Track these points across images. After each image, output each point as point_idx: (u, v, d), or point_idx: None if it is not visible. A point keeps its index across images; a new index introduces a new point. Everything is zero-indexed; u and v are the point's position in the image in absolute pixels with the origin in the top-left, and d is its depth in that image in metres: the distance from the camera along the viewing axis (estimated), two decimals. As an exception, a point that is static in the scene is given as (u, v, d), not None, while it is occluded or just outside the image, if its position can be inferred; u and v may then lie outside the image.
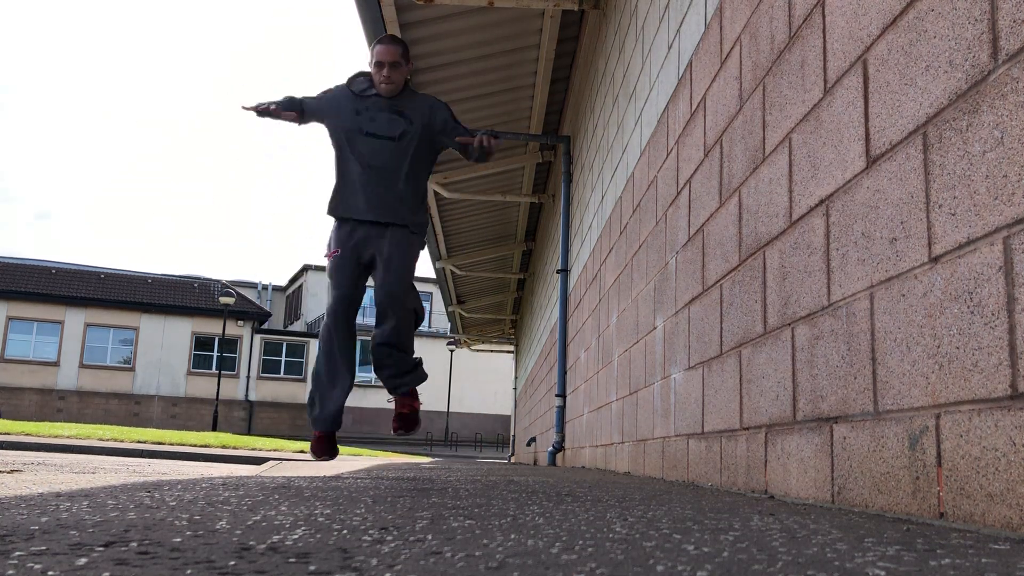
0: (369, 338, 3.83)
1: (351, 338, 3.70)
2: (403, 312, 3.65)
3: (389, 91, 3.66)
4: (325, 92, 3.78)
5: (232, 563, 0.95)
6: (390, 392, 3.78)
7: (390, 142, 3.64)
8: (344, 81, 3.76)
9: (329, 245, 3.73)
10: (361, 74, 3.78)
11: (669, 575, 0.90)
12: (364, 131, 3.63)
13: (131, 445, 11.42)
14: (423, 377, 3.80)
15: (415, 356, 3.80)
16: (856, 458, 1.83)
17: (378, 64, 3.64)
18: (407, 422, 3.75)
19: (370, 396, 35.29)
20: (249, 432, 31.57)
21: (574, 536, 1.25)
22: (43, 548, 1.03)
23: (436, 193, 9.69)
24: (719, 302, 2.90)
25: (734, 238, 2.76)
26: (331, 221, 3.73)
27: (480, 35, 6.88)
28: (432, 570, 0.92)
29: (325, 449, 3.62)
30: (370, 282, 3.72)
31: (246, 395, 33.76)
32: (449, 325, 21.69)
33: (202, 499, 1.85)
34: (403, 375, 3.73)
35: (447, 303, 16.61)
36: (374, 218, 3.63)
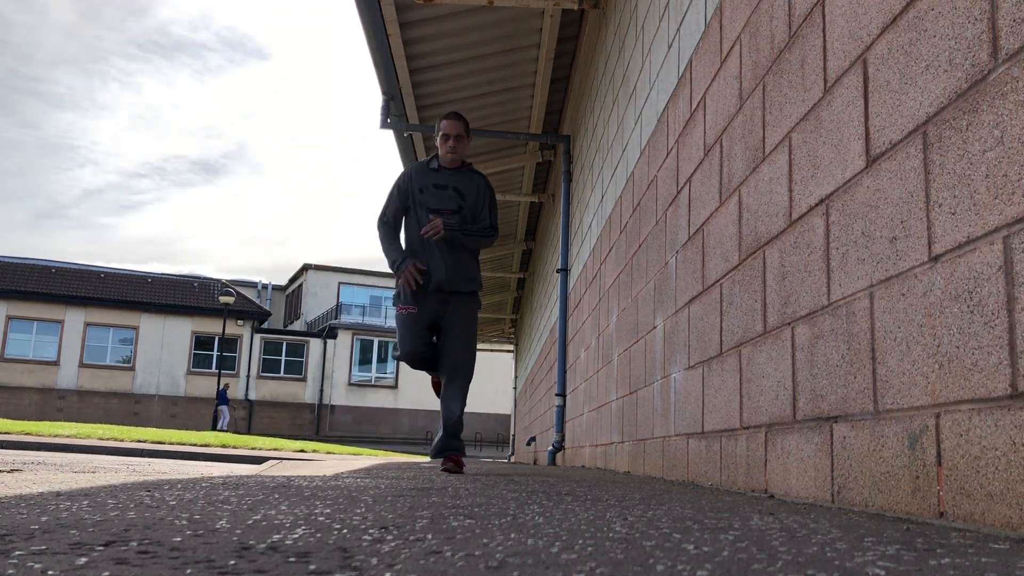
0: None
1: (435, 364, 4.41)
2: (468, 371, 4.32)
3: (452, 161, 4.27)
4: (392, 193, 4.36)
5: (232, 562, 0.95)
6: (438, 454, 4.36)
7: (450, 216, 4.23)
8: (407, 170, 4.41)
9: (400, 297, 4.29)
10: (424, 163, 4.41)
11: (669, 574, 0.90)
12: (428, 208, 4.22)
13: (131, 444, 11.42)
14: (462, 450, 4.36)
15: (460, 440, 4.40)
16: (856, 457, 1.83)
17: (444, 136, 4.26)
18: (457, 466, 4.30)
19: (370, 396, 35.30)
20: (249, 431, 31.57)
21: (574, 535, 1.25)
22: (43, 547, 1.03)
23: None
24: (719, 301, 2.90)
25: (734, 237, 2.76)
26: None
27: (480, 34, 6.88)
28: (432, 569, 0.92)
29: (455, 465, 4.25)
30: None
31: (246, 394, 33.76)
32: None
33: (202, 498, 1.85)
34: (454, 438, 4.30)
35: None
36: (441, 288, 4.21)
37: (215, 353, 33.00)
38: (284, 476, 3.37)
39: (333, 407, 34.55)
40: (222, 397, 29.24)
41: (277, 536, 1.19)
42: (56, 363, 31.39)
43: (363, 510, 1.66)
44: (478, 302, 4.42)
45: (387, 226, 4.35)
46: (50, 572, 0.87)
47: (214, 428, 27.06)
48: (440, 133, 4.30)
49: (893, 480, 1.67)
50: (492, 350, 22.79)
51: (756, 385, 2.49)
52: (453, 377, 4.28)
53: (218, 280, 35.77)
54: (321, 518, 1.47)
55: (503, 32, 6.91)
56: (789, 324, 2.25)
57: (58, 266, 33.73)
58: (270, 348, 34.71)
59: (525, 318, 15.38)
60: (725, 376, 2.80)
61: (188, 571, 0.89)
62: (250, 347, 33.95)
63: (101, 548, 1.04)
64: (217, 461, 10.37)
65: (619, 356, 4.90)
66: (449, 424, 4.24)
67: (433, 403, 35.14)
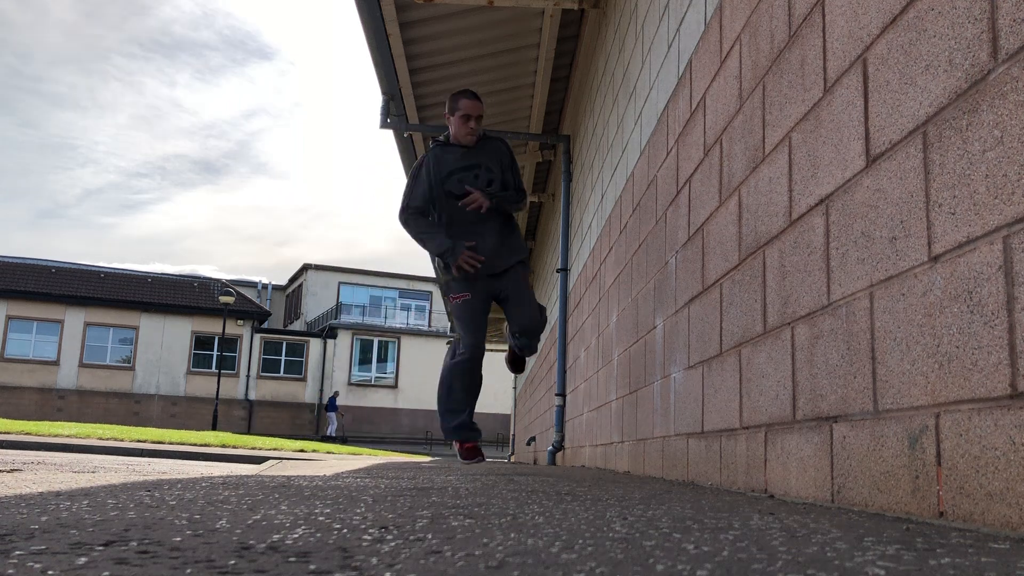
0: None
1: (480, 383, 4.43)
2: (540, 330, 4.42)
3: (471, 141, 4.11)
4: (414, 181, 4.15)
5: (232, 562, 0.95)
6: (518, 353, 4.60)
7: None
8: (420, 161, 4.20)
9: (451, 286, 4.22)
10: (436, 143, 4.22)
11: (669, 574, 0.90)
12: (456, 194, 4.06)
13: (131, 444, 11.42)
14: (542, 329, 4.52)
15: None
16: (856, 457, 1.83)
17: (465, 117, 4.08)
18: (519, 363, 4.68)
19: (370, 396, 35.29)
20: (249, 431, 31.57)
21: (574, 535, 1.25)
22: (43, 547, 1.03)
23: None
24: (719, 301, 2.90)
25: (734, 237, 2.76)
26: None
27: (480, 34, 6.88)
28: (432, 569, 0.92)
29: (477, 454, 4.43)
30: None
31: (246, 394, 33.75)
32: (449, 325, 21.64)
33: (202, 498, 1.85)
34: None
35: (447, 303, 16.58)
36: (493, 271, 4.12)
37: (215, 353, 33.00)
38: (284, 476, 3.37)
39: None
40: (331, 403, 29.51)
41: (277, 536, 1.19)
42: (56, 363, 31.39)
43: (363, 510, 1.66)
44: (528, 268, 4.41)
45: (417, 213, 4.15)
46: (50, 572, 0.87)
47: (317, 433, 27.26)
48: (460, 113, 4.10)
49: (893, 480, 1.67)
50: (492, 350, 22.75)
51: (756, 385, 2.49)
52: (533, 337, 4.38)
53: (218, 280, 35.76)
54: (321, 518, 1.47)
55: (503, 32, 6.91)
56: (789, 324, 2.25)
57: (58, 266, 33.72)
58: (270, 348, 34.71)
59: (525, 318, 15.35)
60: (725, 376, 2.80)
61: (188, 571, 0.89)
62: (250, 347, 33.95)
63: (101, 548, 1.04)
64: (217, 461, 10.37)
65: (619, 356, 4.90)
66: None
67: (433, 403, 35.10)
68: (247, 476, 3.26)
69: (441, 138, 4.24)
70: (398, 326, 38.24)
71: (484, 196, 4.00)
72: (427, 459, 12.20)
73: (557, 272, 8.12)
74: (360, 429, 34.02)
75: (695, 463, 3.14)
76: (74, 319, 31.72)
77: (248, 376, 33.85)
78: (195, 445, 12.30)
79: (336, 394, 30.86)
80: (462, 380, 4.31)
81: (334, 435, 30.37)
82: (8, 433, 11.73)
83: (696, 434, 3.13)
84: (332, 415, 30.40)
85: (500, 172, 4.15)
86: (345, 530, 1.28)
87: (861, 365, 1.82)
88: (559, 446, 7.64)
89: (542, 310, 4.43)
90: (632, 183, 4.72)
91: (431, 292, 38.94)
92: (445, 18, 6.55)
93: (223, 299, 28.52)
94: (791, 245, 2.25)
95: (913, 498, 1.59)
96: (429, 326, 39.37)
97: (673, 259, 3.62)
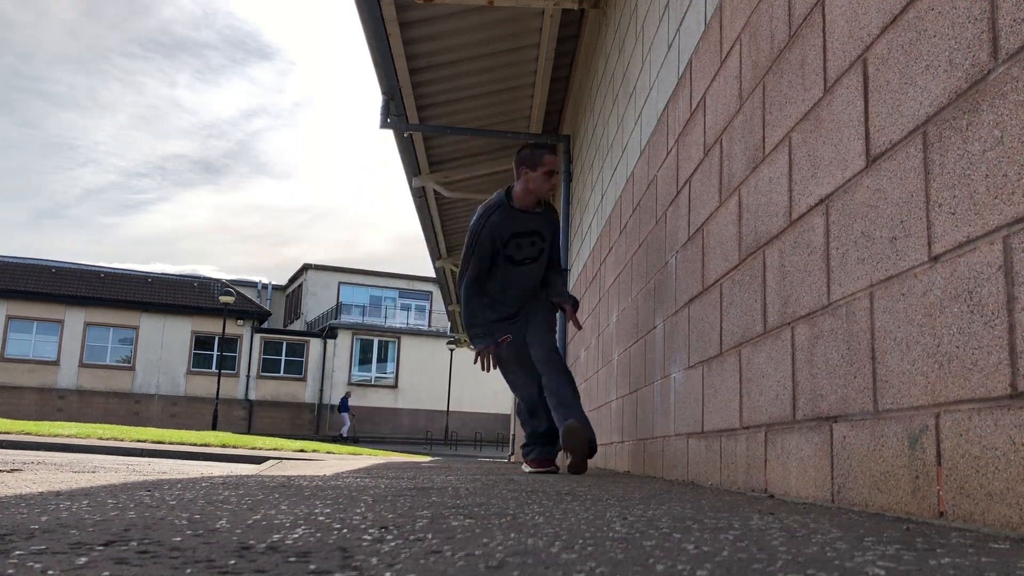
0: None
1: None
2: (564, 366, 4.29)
3: (550, 196, 4.11)
4: (477, 244, 4.09)
5: (232, 562, 0.95)
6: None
7: (533, 263, 4.15)
8: (482, 219, 4.12)
9: (486, 338, 4.20)
10: (498, 205, 4.12)
11: (669, 574, 0.90)
12: (514, 259, 4.10)
13: (131, 444, 11.42)
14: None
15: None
16: (856, 457, 1.83)
17: (550, 173, 4.02)
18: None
19: (370, 395, 35.30)
20: (249, 431, 31.57)
21: (574, 535, 1.25)
22: (43, 547, 1.03)
23: (436, 192, 9.69)
24: (719, 301, 2.90)
25: (734, 237, 2.76)
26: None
27: (480, 34, 6.87)
28: (432, 569, 0.92)
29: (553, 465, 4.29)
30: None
31: (246, 394, 33.75)
32: (449, 324, 21.67)
33: (202, 498, 1.85)
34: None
35: (447, 302, 16.60)
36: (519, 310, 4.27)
37: (215, 353, 33.00)
38: (284, 476, 3.37)
39: (333, 407, 34.54)
40: (343, 404, 29.51)
41: (277, 536, 1.19)
42: (56, 363, 31.39)
43: (363, 510, 1.66)
44: (565, 310, 4.39)
45: (479, 290, 4.15)
46: (50, 572, 0.87)
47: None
48: (544, 169, 4.01)
49: (893, 480, 1.67)
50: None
51: (756, 385, 2.49)
52: (553, 372, 4.15)
53: (218, 280, 35.77)
54: (321, 518, 1.47)
55: (503, 32, 6.91)
56: (789, 324, 2.25)
57: (58, 266, 33.72)
58: (270, 348, 34.71)
59: (525, 318, 15.36)
60: (725, 376, 2.80)
61: (188, 571, 0.89)
62: (250, 347, 33.95)
63: (101, 548, 1.04)
64: (217, 461, 10.37)
65: (619, 356, 4.90)
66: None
67: (433, 402, 35.17)
68: (247, 476, 3.26)
69: (502, 195, 4.11)
70: (398, 326, 38.26)
71: (573, 307, 4.19)
72: (427, 459, 12.20)
73: (557, 272, 8.11)
74: (360, 429, 34.01)
75: (695, 463, 3.14)
76: (74, 319, 31.72)
77: (248, 376, 33.85)
78: (195, 445, 12.30)
79: (348, 395, 30.87)
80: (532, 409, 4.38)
81: (346, 436, 30.40)
82: (8, 433, 11.73)
83: (696, 434, 3.13)
84: (345, 416, 30.43)
85: (550, 242, 4.20)
86: (345, 530, 1.28)
87: (861, 365, 1.82)
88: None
89: (557, 351, 4.37)
90: (632, 183, 4.72)
91: (431, 292, 38.95)
92: (445, 18, 6.55)
93: (223, 299, 28.52)
94: (791, 245, 2.25)
95: (913, 498, 1.59)
96: (429, 326, 39.37)
97: (673, 259, 3.62)
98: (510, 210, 4.04)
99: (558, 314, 4.65)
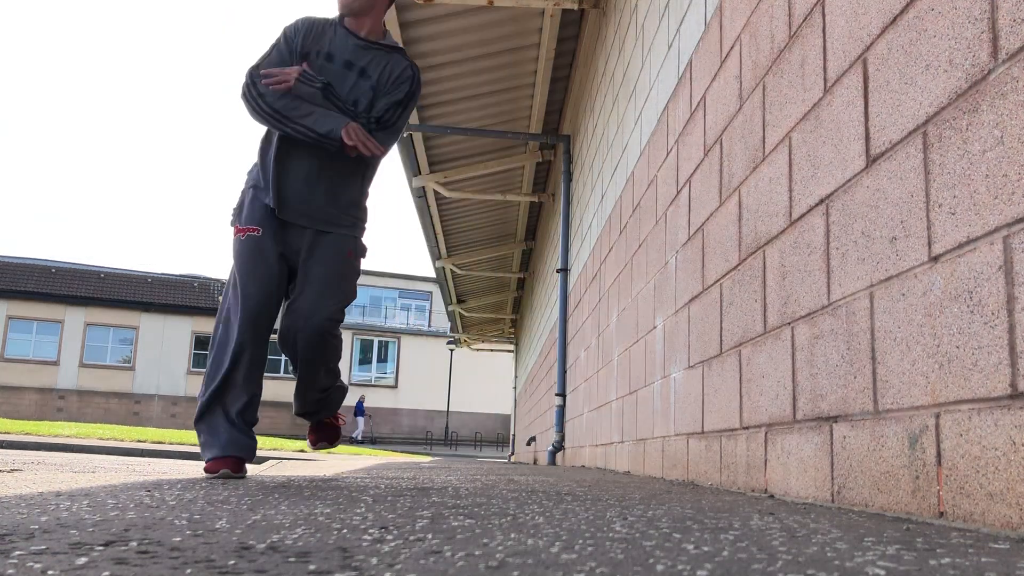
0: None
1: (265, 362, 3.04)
2: (321, 337, 2.87)
3: (359, 23, 2.88)
4: (284, 41, 2.84)
5: (232, 562, 0.95)
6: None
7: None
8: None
9: (241, 212, 2.89)
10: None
11: (669, 574, 0.90)
12: (309, 82, 2.76)
13: (131, 444, 11.41)
14: (342, 398, 3.22)
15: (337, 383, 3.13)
16: (856, 457, 1.83)
17: None
18: (329, 435, 3.26)
19: (370, 395, 35.30)
20: (249, 431, 31.51)
21: (574, 535, 1.25)
22: (43, 547, 1.03)
23: (436, 192, 9.69)
24: (719, 301, 2.90)
25: (734, 237, 2.76)
26: None
27: (480, 34, 6.88)
28: (432, 569, 0.92)
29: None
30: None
31: (246, 394, 33.70)
32: (449, 324, 21.68)
33: (202, 498, 1.85)
34: (330, 407, 3.19)
35: (447, 302, 16.60)
36: (303, 222, 2.84)
37: (215, 353, 32.94)
38: (284, 476, 3.37)
39: (333, 407, 34.50)
40: (359, 407, 29.43)
41: (277, 536, 1.19)
42: (56, 363, 31.38)
43: (363, 510, 1.66)
44: (360, 247, 2.91)
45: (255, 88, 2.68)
46: (50, 572, 0.87)
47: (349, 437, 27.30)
48: None
49: (893, 480, 1.67)
50: (492, 350, 22.77)
51: (756, 385, 2.49)
52: (310, 361, 2.91)
53: (218, 280, 35.74)
54: (321, 518, 1.47)
55: (503, 32, 6.91)
56: (789, 324, 2.25)
57: (58, 266, 33.70)
58: (270, 348, 34.71)
59: (525, 318, 15.37)
60: (725, 376, 2.80)
61: (188, 571, 0.89)
62: (250, 347, 33.89)
63: (101, 548, 1.04)
64: (217, 461, 10.34)
65: (619, 356, 4.90)
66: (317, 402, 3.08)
67: (433, 403, 35.20)
68: (247, 476, 3.26)
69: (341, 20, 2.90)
70: (398, 326, 38.24)
71: (362, 134, 2.65)
72: (427, 459, 12.20)
73: (557, 272, 8.11)
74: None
75: (695, 463, 3.14)
76: (74, 319, 31.70)
77: (248, 376, 33.81)
78: (195, 445, 12.30)
79: (363, 398, 30.83)
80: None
81: (361, 438, 30.36)
82: (8, 433, 11.73)
83: (696, 434, 3.13)
84: (360, 419, 30.41)
85: (374, 92, 2.80)
86: (345, 530, 1.28)
87: (861, 365, 1.82)
88: (559, 446, 7.64)
89: (337, 315, 2.83)
90: (632, 183, 4.72)
91: (431, 292, 38.93)
92: (445, 18, 6.55)
93: (223, 299, 28.50)
94: (791, 245, 2.25)
95: (913, 498, 1.59)
96: (429, 326, 39.35)
97: (673, 259, 3.62)
98: (340, 27, 2.86)
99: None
